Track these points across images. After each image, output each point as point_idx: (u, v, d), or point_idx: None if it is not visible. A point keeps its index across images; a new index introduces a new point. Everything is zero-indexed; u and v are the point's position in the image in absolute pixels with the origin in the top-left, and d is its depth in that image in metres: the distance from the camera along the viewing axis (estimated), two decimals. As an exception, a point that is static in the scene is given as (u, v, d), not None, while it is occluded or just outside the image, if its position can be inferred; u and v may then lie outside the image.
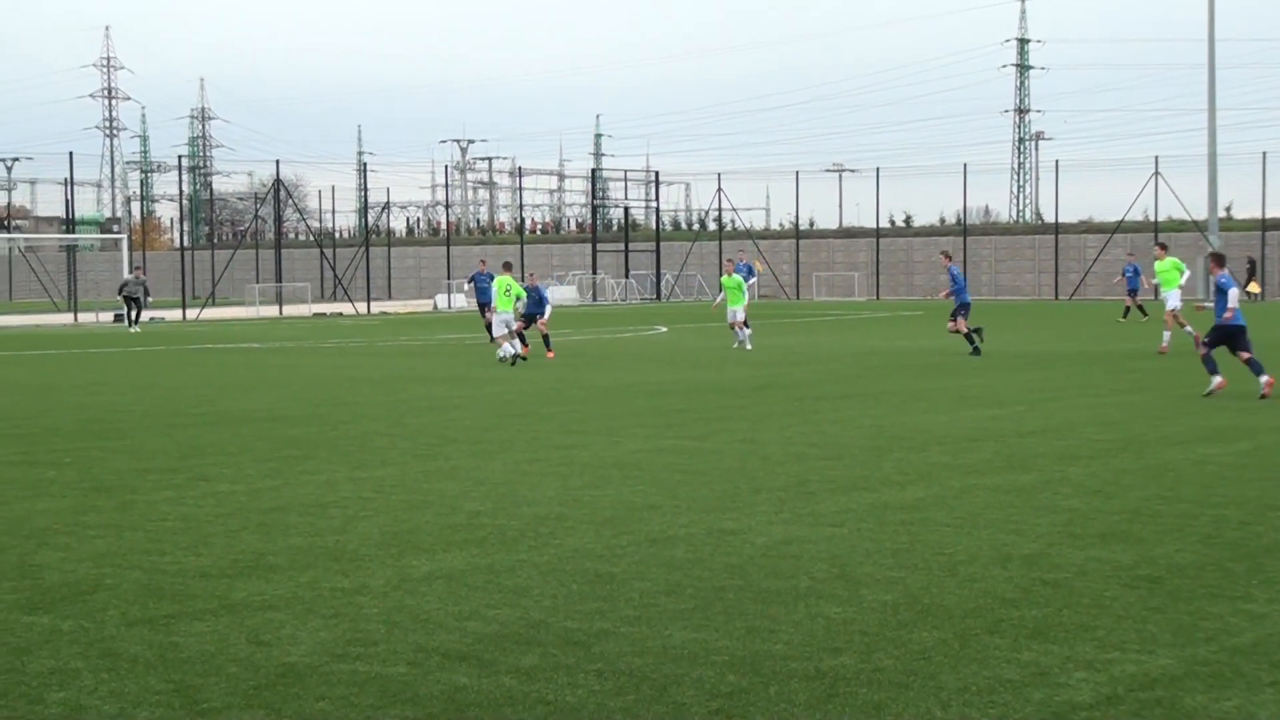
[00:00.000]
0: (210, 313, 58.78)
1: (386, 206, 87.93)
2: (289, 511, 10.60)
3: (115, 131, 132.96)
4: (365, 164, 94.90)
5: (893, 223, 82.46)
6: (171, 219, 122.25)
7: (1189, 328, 26.80)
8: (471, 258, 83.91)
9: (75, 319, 56.74)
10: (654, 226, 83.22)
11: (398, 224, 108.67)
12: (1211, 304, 19.34)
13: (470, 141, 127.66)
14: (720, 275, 22.75)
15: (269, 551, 9.13)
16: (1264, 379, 18.58)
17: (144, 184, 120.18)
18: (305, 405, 19.05)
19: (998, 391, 19.86)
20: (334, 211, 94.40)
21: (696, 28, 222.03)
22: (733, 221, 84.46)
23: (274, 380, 23.71)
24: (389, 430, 15.96)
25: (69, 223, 67.35)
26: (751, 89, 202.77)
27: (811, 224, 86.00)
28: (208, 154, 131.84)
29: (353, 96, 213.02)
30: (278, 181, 67.02)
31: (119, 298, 49.87)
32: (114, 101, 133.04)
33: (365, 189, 78.12)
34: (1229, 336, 18.88)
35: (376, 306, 65.01)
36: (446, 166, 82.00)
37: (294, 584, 8.21)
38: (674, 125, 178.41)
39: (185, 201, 77.32)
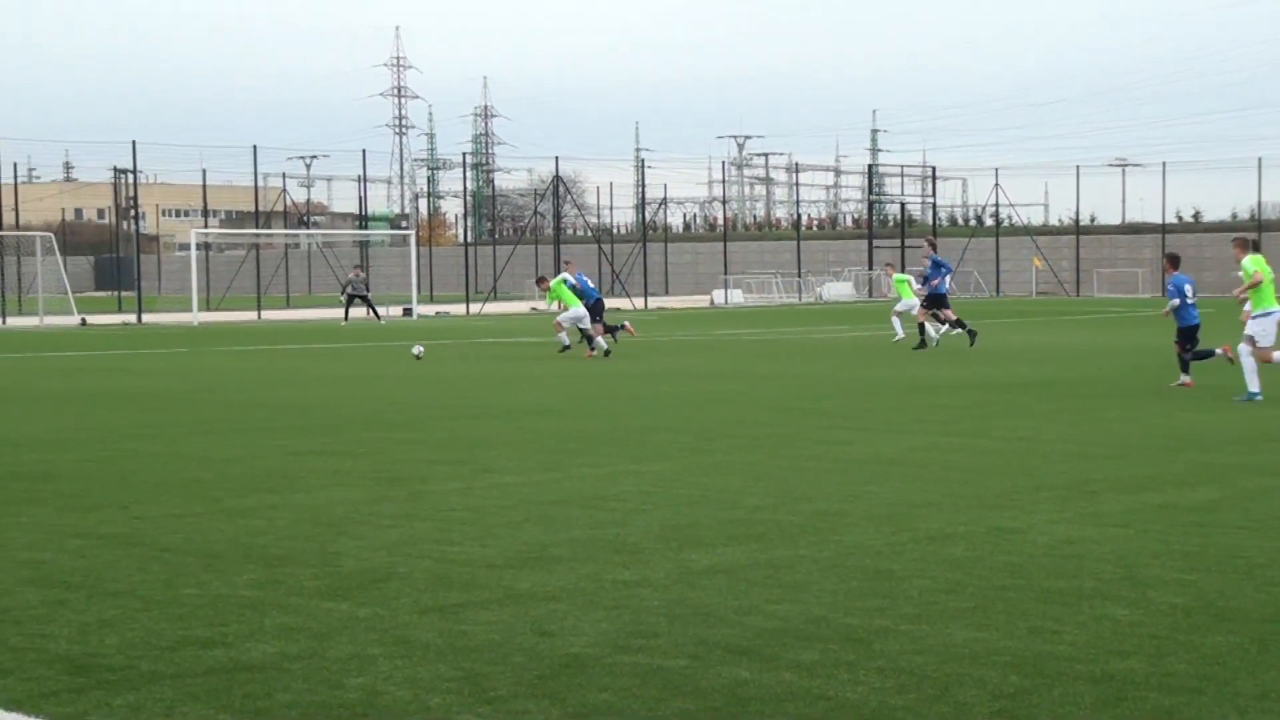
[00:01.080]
0: (492, 307, 60.20)
1: (663, 202, 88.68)
2: (571, 504, 10.79)
3: (404, 129, 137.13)
4: (643, 160, 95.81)
5: (1179, 218, 79.85)
6: (456, 215, 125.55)
7: None
8: (749, 254, 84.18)
9: (367, 313, 58.66)
10: (930, 222, 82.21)
11: (674, 220, 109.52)
12: (1174, 305, 19.78)
13: (747, 137, 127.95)
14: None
15: (552, 543, 9.31)
16: (1184, 378, 19.58)
17: (430, 181, 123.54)
18: (584, 399, 19.36)
19: (1295, 388, 19.06)
20: (612, 207, 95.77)
21: (973, 22, 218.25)
22: (1010, 217, 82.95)
23: (553, 374, 24.14)
24: (667, 424, 16.10)
25: (362, 219, 69.60)
26: (1030, 82, 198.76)
27: (1093, 219, 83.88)
28: (491, 151, 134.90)
29: (630, 93, 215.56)
30: (557, 178, 68.20)
31: (341, 297, 51.34)
32: (403, 100, 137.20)
33: (643, 185, 78.93)
34: (1193, 334, 19.64)
35: (654, 302, 65.66)
36: (723, 162, 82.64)
37: (576, 575, 8.35)
38: (951, 120, 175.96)
39: (469, 198, 79.25)
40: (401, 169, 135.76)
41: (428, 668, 6.49)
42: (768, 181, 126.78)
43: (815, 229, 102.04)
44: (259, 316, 54.99)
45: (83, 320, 49.01)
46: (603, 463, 13.03)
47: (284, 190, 69.97)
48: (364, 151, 62.30)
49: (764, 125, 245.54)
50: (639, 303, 63.67)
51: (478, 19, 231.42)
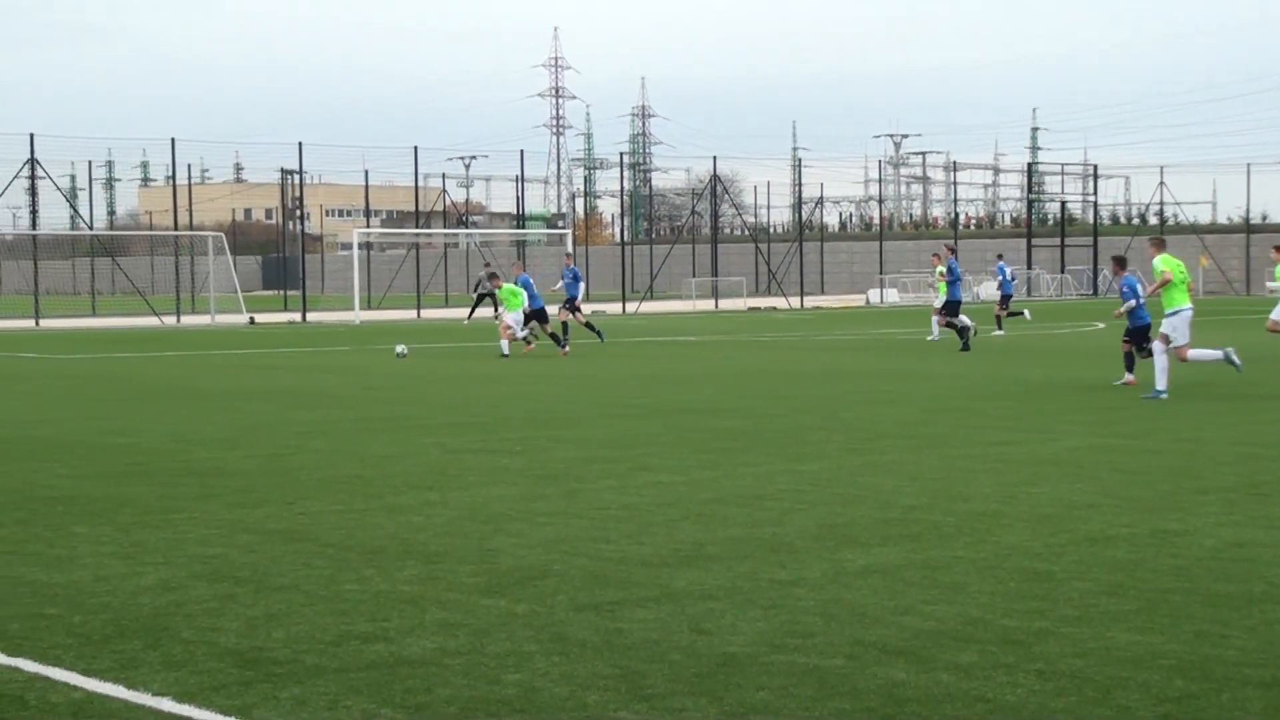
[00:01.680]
0: (648, 306, 60.34)
1: (820, 201, 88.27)
2: (727, 502, 10.79)
3: (562, 129, 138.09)
4: (800, 159, 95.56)
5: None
6: (612, 215, 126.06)
7: None
8: (904, 253, 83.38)
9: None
10: (1091, 221, 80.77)
11: (830, 219, 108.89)
12: (1131, 307, 19.76)
13: (904, 136, 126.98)
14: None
15: (708, 541, 9.32)
16: (1128, 377, 19.73)
17: (587, 181, 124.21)
18: (739, 398, 19.35)
19: None
20: (769, 206, 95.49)
21: (1136, 18, 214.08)
22: (1175, 215, 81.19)
23: (709, 373, 24.16)
24: (823, 424, 16.05)
25: (519, 218, 70.15)
26: (1196, 78, 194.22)
27: (1264, 217, 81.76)
28: (647, 151, 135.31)
29: (788, 92, 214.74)
30: (715, 177, 68.18)
31: (473, 295, 51.69)
32: (561, 100, 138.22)
33: (799, 184, 78.78)
34: (1145, 333, 19.69)
35: (810, 301, 65.37)
36: (880, 161, 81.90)
37: (732, 574, 8.35)
38: (1113, 117, 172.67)
39: (625, 198, 79.53)
40: (559, 169, 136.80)
41: (584, 665, 6.52)
42: (924, 180, 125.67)
43: (972, 228, 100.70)
44: (418, 315, 55.75)
45: (251, 319, 50.06)
46: (759, 461, 13.02)
47: (443, 190, 70.68)
48: (522, 152, 62.97)
49: (921, 124, 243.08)
50: (794, 301, 63.38)
51: (636, 19, 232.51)
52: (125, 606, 7.62)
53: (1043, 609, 7.44)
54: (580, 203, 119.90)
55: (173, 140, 55.12)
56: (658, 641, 6.91)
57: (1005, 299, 38.15)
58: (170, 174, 59.24)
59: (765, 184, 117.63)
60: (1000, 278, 38.83)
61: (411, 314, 56.71)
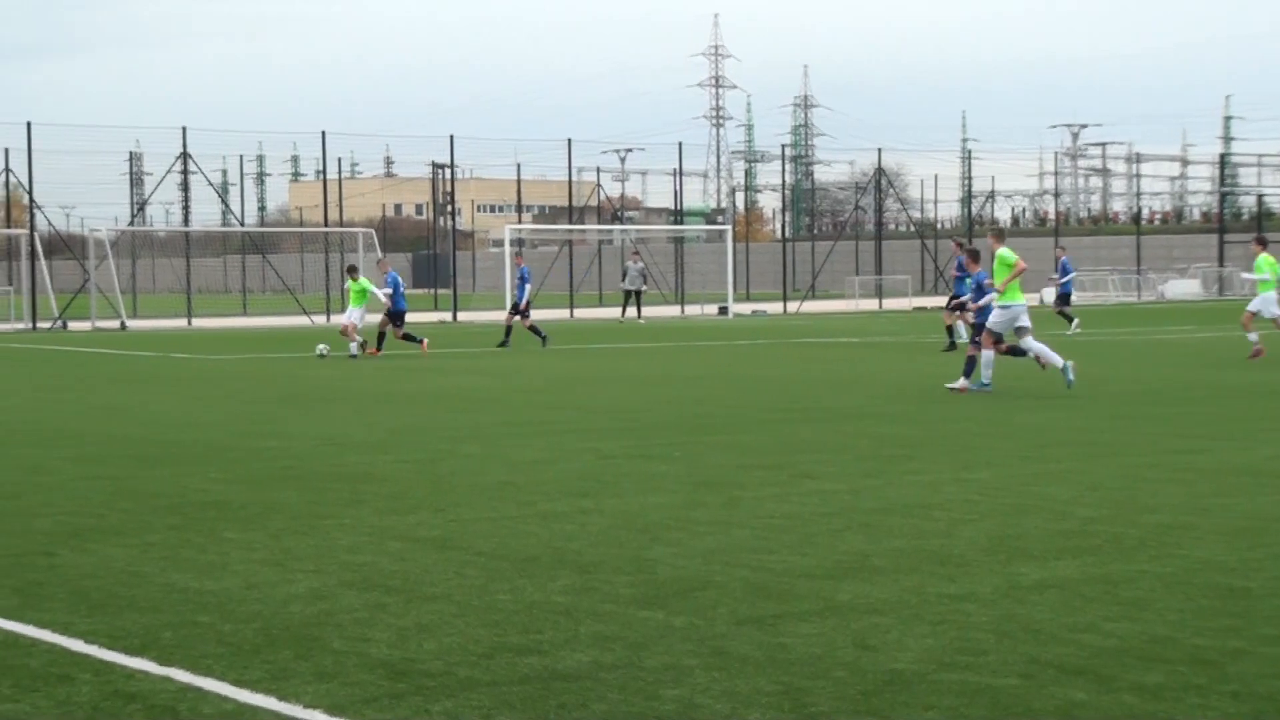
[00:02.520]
0: (810, 305, 59.87)
1: (991, 195, 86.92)
2: (892, 512, 10.45)
3: (721, 121, 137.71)
4: (969, 151, 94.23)
5: None
6: (773, 209, 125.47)
7: None
8: (1082, 249, 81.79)
9: (682, 311, 59.01)
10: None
11: (1002, 213, 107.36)
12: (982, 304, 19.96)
13: (1082, 126, 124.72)
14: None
15: (873, 553, 9.00)
16: (961, 382, 19.65)
17: (748, 174, 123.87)
18: (904, 402, 18.96)
19: None
20: (936, 201, 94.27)
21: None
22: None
23: (871, 376, 23.80)
24: (991, 430, 15.63)
25: (677, 213, 69.91)
26: None
27: None
28: (810, 143, 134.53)
29: (957, 81, 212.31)
30: (879, 171, 67.43)
31: (621, 288, 51.57)
32: (721, 91, 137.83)
33: (969, 177, 77.67)
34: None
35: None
36: (1055, 153, 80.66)
37: (898, 588, 8.04)
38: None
39: (787, 192, 79.06)
40: (718, 162, 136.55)
41: (745, 680, 6.29)
42: (1104, 173, 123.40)
43: (1157, 223, 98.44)
44: (571, 315, 55.86)
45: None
46: (925, 469, 12.64)
47: (598, 185, 70.82)
48: (680, 144, 62.66)
49: (1101, 113, 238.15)
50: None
51: (799, 4, 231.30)
52: (276, 615, 7.51)
53: (1237, 627, 7.03)
54: (740, 197, 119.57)
55: (323, 134, 55.52)
56: (821, 657, 6.64)
57: (1063, 297, 37.75)
58: (320, 168, 59.86)
59: (932, 177, 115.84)
60: (1061, 275, 38.42)
61: (564, 313, 56.85)
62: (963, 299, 30.20)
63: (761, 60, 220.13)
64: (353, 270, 32.83)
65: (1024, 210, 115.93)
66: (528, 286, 33.25)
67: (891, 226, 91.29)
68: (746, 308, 59.13)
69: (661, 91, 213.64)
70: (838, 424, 16.37)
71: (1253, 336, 25.80)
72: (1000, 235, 20.80)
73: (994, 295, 19.73)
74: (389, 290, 30.61)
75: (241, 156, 79.46)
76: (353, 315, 30.66)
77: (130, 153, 79.53)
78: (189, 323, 50.57)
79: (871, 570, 8.49)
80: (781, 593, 7.97)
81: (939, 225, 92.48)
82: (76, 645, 6.90)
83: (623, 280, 52.26)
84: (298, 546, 9.31)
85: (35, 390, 21.99)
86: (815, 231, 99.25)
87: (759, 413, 17.78)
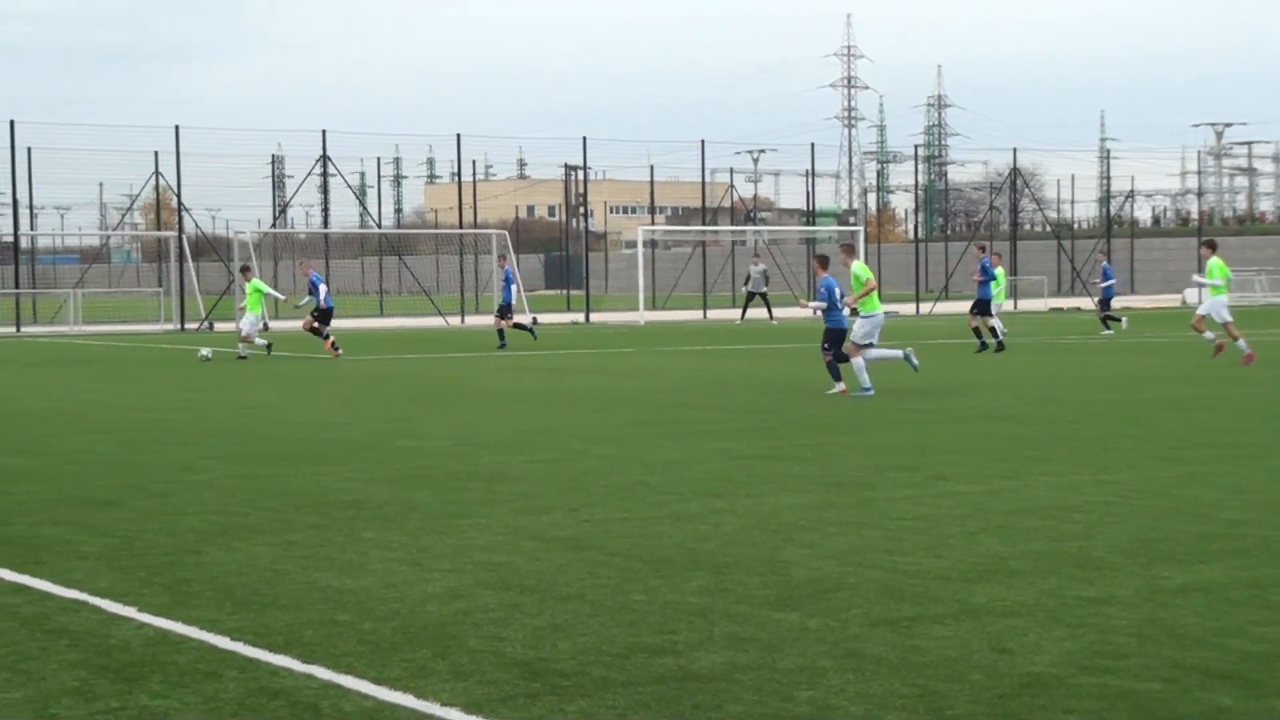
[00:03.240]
0: (943, 307, 59.24)
1: (1130, 195, 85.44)
2: (1029, 514, 10.33)
3: (854, 121, 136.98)
4: (1108, 150, 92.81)
5: None
6: (906, 210, 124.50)
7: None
8: (1227, 251, 79.69)
9: (814, 312, 58.68)
10: None
11: (1142, 214, 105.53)
12: (821, 307, 20.24)
13: (1227, 124, 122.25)
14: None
15: (1009, 555, 8.91)
16: (839, 386, 19.94)
17: (880, 174, 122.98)
18: (1039, 404, 18.73)
19: None
20: (1073, 201, 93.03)
21: None
22: None
23: (1006, 378, 23.51)
24: (1132, 431, 15.38)
25: (809, 214, 69.62)
26: None
27: None
28: (943, 143, 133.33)
29: (1096, 80, 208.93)
30: (1015, 170, 66.56)
31: (744, 290, 51.35)
32: (853, 91, 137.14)
33: (1108, 177, 76.46)
34: (841, 338, 20.11)
35: (1118, 301, 63.20)
36: (1199, 152, 78.96)
37: (1036, 590, 7.95)
38: None
39: (920, 192, 78.36)
40: (850, 162, 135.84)
41: (880, 683, 6.26)
42: (1250, 172, 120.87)
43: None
44: (704, 315, 55.82)
45: (534, 319, 50.78)
46: (1062, 471, 12.48)
47: (730, 185, 70.61)
48: (812, 145, 62.49)
49: (1247, 111, 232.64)
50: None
51: (932, 3, 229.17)
52: (413, 614, 7.59)
53: (1391, 634, 6.86)
54: (872, 198, 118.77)
55: (458, 136, 55.95)
56: (957, 660, 6.59)
57: (1104, 302, 37.40)
58: (455, 171, 60.28)
59: (1069, 177, 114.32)
60: (1104, 280, 38.02)
61: (697, 314, 56.83)
62: (987, 300, 30.73)
63: (894, 60, 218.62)
64: (246, 270, 32.56)
65: (1165, 210, 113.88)
66: (513, 288, 33.68)
67: (1027, 227, 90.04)
68: (776, 309, 58.62)
69: (794, 93, 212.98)
70: (972, 425, 16.21)
71: (1209, 335, 26.29)
72: (850, 250, 21.60)
73: (823, 305, 20.26)
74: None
75: (379, 159, 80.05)
76: (248, 321, 30.64)
77: (273, 155, 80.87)
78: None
79: (1008, 572, 8.40)
80: (916, 595, 7.91)
81: (1076, 225, 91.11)
82: (223, 642, 7.03)
83: (745, 283, 52.18)
84: (435, 546, 9.42)
85: (184, 390, 22.46)
86: (948, 232, 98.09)
87: (891, 414, 17.65)
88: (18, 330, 46.88)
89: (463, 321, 52.67)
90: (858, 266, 20.57)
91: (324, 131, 52.70)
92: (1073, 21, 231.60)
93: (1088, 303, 61.57)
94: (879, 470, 12.65)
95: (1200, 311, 26.63)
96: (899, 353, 20.41)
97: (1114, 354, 28.84)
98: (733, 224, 74.23)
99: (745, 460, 13.41)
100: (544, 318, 52.23)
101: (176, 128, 49.24)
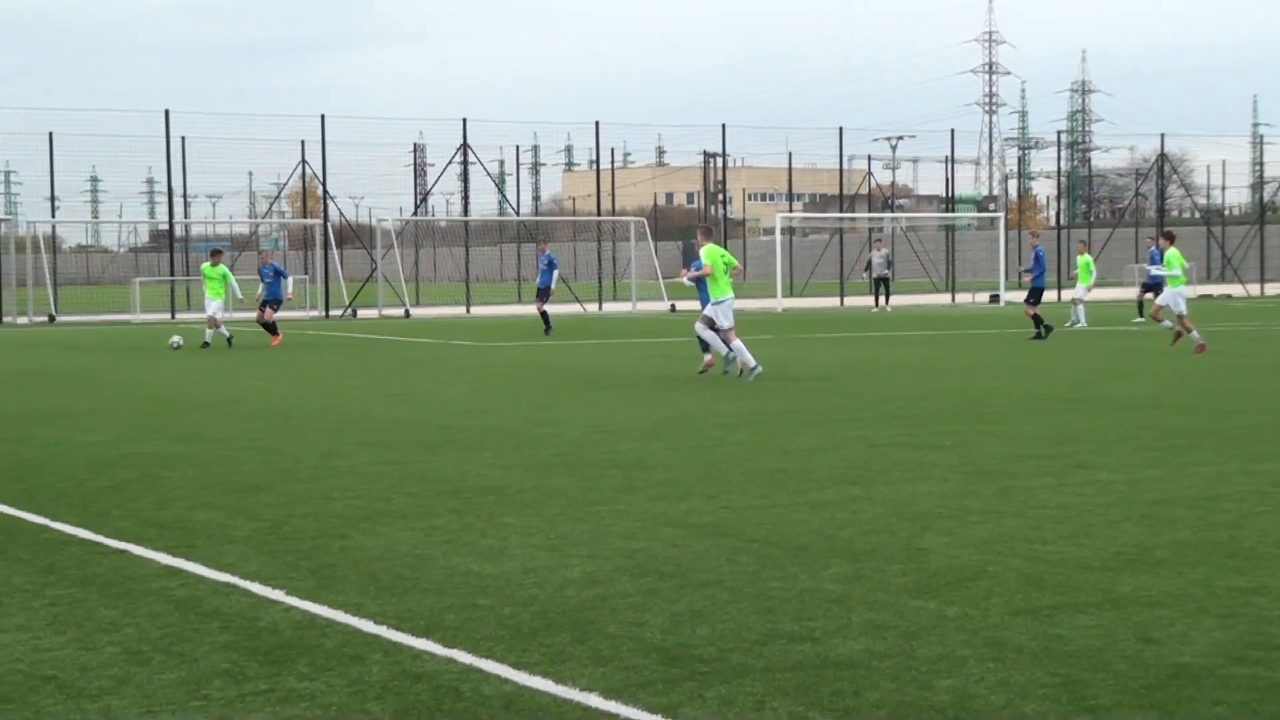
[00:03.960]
0: (1093, 294, 58.28)
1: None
2: (1174, 504, 10.16)
3: (994, 108, 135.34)
4: (1261, 136, 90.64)
5: None
6: (1048, 197, 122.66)
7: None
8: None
9: (953, 299, 58.17)
10: None
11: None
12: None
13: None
14: None
15: (1154, 545, 8.77)
16: (707, 357, 21.60)
17: (1021, 161, 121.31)
18: (1187, 393, 18.40)
19: None
20: (1224, 187, 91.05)
21: None
22: None
23: (1152, 366, 23.14)
24: (1280, 420, 15.05)
25: (948, 201, 68.91)
26: None
27: None
28: (1087, 129, 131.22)
29: (1249, 64, 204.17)
30: (1161, 156, 65.30)
31: (864, 277, 50.82)
32: (994, 77, 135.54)
33: (1261, 162, 74.61)
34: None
35: (1271, 288, 61.89)
36: (1361, 136, 76.53)
37: (1183, 580, 7.82)
38: None
39: (1062, 179, 77.13)
40: (990, 149, 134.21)
41: (1021, 672, 6.21)
42: None
43: None
44: (841, 303, 55.52)
45: (672, 306, 50.83)
46: (1210, 460, 12.25)
47: (868, 172, 70.03)
48: (952, 131, 61.84)
49: None
50: (1253, 289, 60.17)
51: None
52: (552, 599, 7.66)
53: None
54: (1013, 184, 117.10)
55: (596, 124, 56.16)
56: (1101, 649, 6.51)
57: (1148, 288, 36.57)
58: (594, 158, 60.41)
59: (1219, 163, 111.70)
60: (1151, 265, 37.21)
61: (834, 301, 56.55)
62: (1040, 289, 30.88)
63: (1037, 46, 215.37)
64: (217, 255, 31.96)
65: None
66: (554, 273, 33.90)
67: (1174, 213, 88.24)
68: (1019, 295, 57.80)
69: (934, 79, 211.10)
70: (1117, 414, 15.96)
71: (1166, 324, 27.28)
72: (707, 233, 22.05)
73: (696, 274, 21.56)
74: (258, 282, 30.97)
75: (518, 147, 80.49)
76: (213, 307, 30.48)
77: (414, 144, 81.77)
78: (467, 310, 51.80)
79: (1153, 562, 8.28)
80: (1058, 584, 7.83)
81: (1226, 211, 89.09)
82: (367, 626, 7.15)
83: (865, 270, 51.85)
84: (574, 532, 9.49)
85: (330, 376, 22.83)
86: (1092, 219, 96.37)
87: (1033, 402, 17.44)
88: (172, 317, 47.93)
89: (600, 308, 52.89)
90: (704, 251, 21.40)
91: (464, 120, 53.17)
92: (1223, 4, 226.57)
93: (1239, 289, 60.30)
94: (1020, 459, 12.51)
95: (1159, 302, 27.85)
96: (749, 360, 20.69)
97: (1267, 342, 28.23)
98: (870, 211, 73.61)
99: (883, 448, 13.34)
100: (682, 305, 52.34)
101: (322, 117, 50.07)
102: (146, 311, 49.19)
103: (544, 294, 34.32)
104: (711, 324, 21.00)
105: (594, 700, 5.92)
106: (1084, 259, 37.14)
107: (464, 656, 6.58)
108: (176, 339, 30.18)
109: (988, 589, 7.73)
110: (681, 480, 11.60)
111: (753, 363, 20.55)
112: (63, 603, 7.70)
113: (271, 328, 31.03)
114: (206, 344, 30.18)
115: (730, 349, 20.87)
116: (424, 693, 6.08)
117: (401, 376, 22.88)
